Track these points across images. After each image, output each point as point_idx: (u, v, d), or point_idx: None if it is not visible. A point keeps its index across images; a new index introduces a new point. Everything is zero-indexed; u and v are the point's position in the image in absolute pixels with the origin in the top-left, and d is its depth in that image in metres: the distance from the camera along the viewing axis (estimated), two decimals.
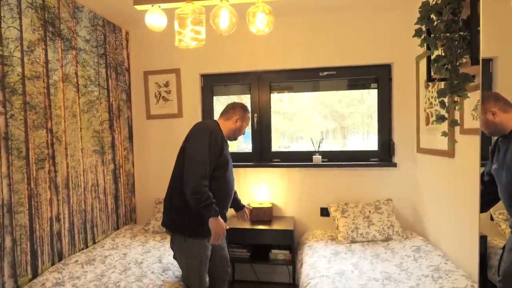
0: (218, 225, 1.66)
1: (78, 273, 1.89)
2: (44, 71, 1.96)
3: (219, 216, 1.68)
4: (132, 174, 2.87)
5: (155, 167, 2.85)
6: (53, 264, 1.98)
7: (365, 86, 2.77)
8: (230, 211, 2.13)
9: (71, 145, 2.16)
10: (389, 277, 1.78)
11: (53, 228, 1.99)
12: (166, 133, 2.82)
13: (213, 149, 1.72)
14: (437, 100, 2.01)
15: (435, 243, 2.15)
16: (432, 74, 1.61)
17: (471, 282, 1.63)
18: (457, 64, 1.43)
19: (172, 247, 1.85)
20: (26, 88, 1.83)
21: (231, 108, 1.92)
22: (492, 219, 1.62)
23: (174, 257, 1.87)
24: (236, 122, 1.89)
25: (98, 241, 2.38)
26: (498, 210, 1.56)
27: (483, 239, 1.55)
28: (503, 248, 1.53)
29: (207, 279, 1.98)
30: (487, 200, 1.52)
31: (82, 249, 2.23)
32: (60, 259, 2.04)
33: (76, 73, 2.22)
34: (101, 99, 2.47)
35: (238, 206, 2.14)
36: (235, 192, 2.14)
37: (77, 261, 2.01)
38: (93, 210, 2.35)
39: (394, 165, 2.52)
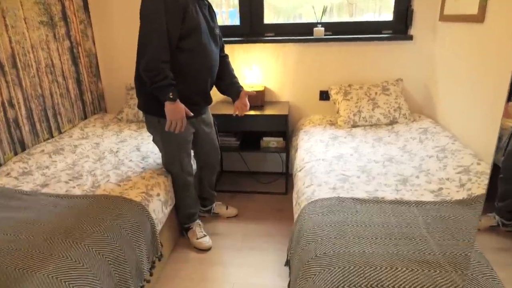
0: (174, 111, 1.40)
1: (46, 162, 1.70)
2: None
3: (178, 101, 1.40)
4: (95, 55, 2.39)
5: (121, 46, 2.37)
6: (16, 154, 1.77)
7: None
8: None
9: (10, 13, 1.72)
10: (390, 158, 1.63)
11: (8, 114, 1.72)
12: (131, 1, 2.23)
13: (172, 12, 1.34)
14: None
15: (444, 125, 1.95)
16: None
17: (477, 160, 1.52)
18: None
19: (149, 130, 1.65)
20: None
21: None
22: (510, 100, 1.40)
23: (153, 140, 1.67)
24: None
25: (64, 131, 2.12)
26: None
27: None
28: None
29: (194, 165, 1.83)
30: None
31: (47, 139, 1.99)
32: (23, 149, 1.82)
33: None
34: None
35: (237, 92, 1.68)
36: (235, 77, 1.73)
37: (43, 150, 1.80)
38: (52, 96, 2.01)
39: (410, 37, 2.10)
